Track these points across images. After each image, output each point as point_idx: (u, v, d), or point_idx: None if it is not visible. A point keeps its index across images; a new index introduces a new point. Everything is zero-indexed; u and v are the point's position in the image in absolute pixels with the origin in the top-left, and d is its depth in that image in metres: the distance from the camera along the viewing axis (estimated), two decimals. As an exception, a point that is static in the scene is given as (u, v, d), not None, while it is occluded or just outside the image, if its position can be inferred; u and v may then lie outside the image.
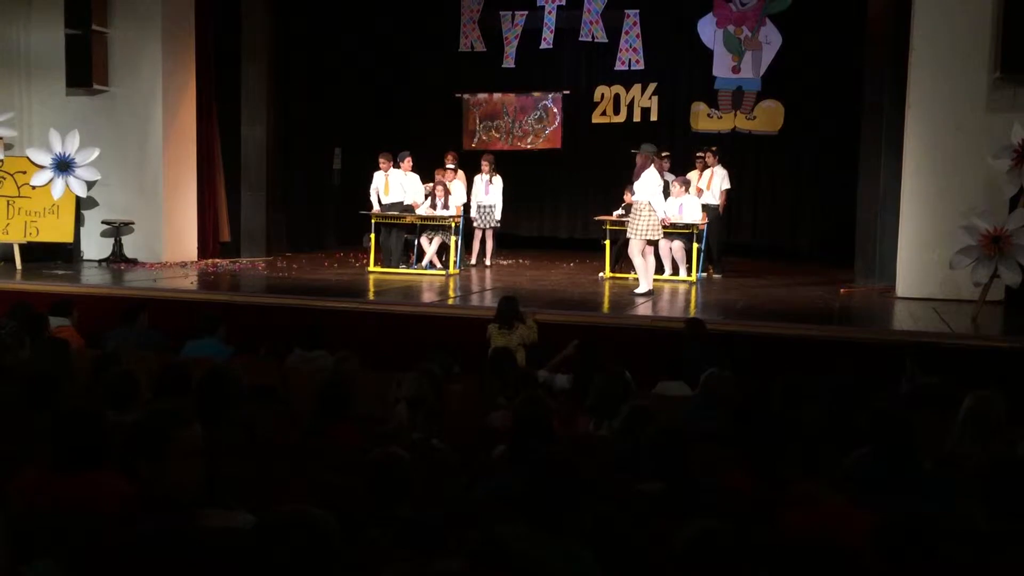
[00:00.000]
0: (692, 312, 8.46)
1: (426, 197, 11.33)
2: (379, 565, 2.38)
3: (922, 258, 9.03)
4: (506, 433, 3.79)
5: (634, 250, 9.41)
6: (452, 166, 11.80)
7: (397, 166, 11.38)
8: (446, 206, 11.07)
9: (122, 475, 2.71)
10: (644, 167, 9.36)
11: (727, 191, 11.45)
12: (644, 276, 9.33)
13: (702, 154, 11.50)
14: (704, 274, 10.86)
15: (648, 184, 9.34)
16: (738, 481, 3.15)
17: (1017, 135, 7.94)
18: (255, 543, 2.13)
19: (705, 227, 10.71)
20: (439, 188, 11.16)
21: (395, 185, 11.31)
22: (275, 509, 2.22)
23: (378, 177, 11.35)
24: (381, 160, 11.31)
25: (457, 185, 11.61)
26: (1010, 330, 7.58)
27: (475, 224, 11.84)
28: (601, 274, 10.78)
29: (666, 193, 10.12)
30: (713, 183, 11.28)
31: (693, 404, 4.96)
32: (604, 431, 4.30)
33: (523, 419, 3.53)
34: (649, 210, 9.28)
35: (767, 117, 13.42)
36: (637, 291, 9.27)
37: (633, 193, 9.57)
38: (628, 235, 9.54)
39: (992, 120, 8.61)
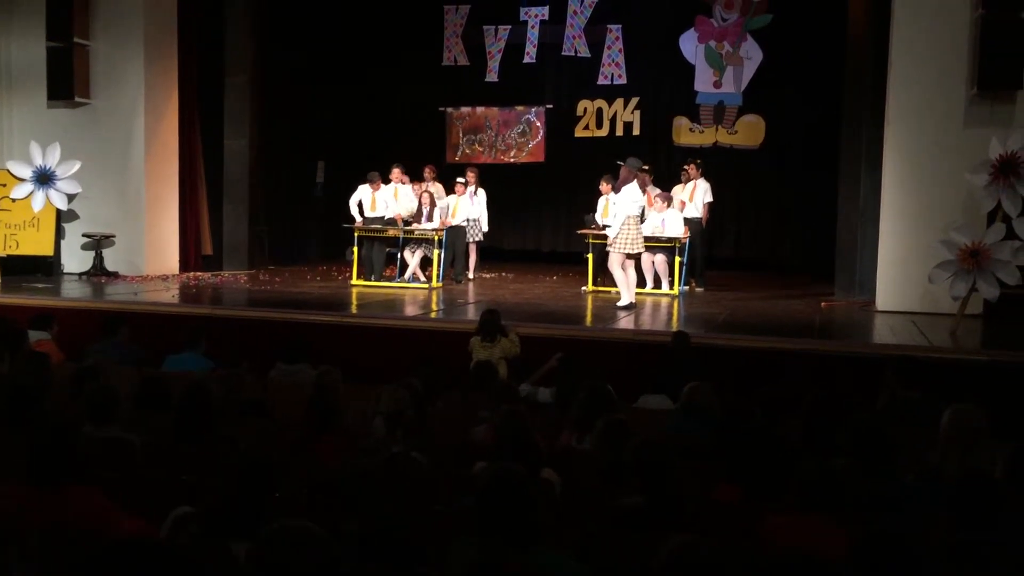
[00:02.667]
0: (675, 326, 8.48)
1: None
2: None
3: (902, 272, 9.10)
4: (488, 447, 3.78)
5: (614, 263, 9.44)
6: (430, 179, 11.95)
7: (387, 182, 11.37)
8: (430, 217, 11.07)
9: (98, 489, 2.69)
10: (626, 181, 9.40)
11: (710, 204, 11.46)
12: (626, 289, 9.36)
13: (687, 167, 11.54)
14: (686, 287, 10.89)
15: (625, 199, 9.37)
16: (722, 494, 3.16)
17: (994, 151, 8.03)
18: (255, 561, 2.13)
19: (687, 240, 10.75)
20: (425, 196, 11.17)
21: (381, 201, 11.29)
22: (272, 526, 2.21)
23: (364, 191, 11.31)
24: (373, 179, 11.29)
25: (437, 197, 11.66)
26: (989, 343, 7.65)
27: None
28: (584, 288, 10.80)
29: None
30: (696, 196, 11.29)
31: (674, 417, 4.97)
32: (587, 444, 4.31)
33: (504, 434, 3.53)
34: (629, 224, 9.32)
35: (748, 132, 13.52)
36: (619, 304, 9.29)
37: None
38: (608, 248, 9.58)
39: (970, 136, 8.71)
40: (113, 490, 3.16)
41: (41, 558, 2.33)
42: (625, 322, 8.57)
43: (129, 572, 1.80)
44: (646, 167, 12.13)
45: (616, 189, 9.58)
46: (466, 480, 3.76)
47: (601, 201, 10.92)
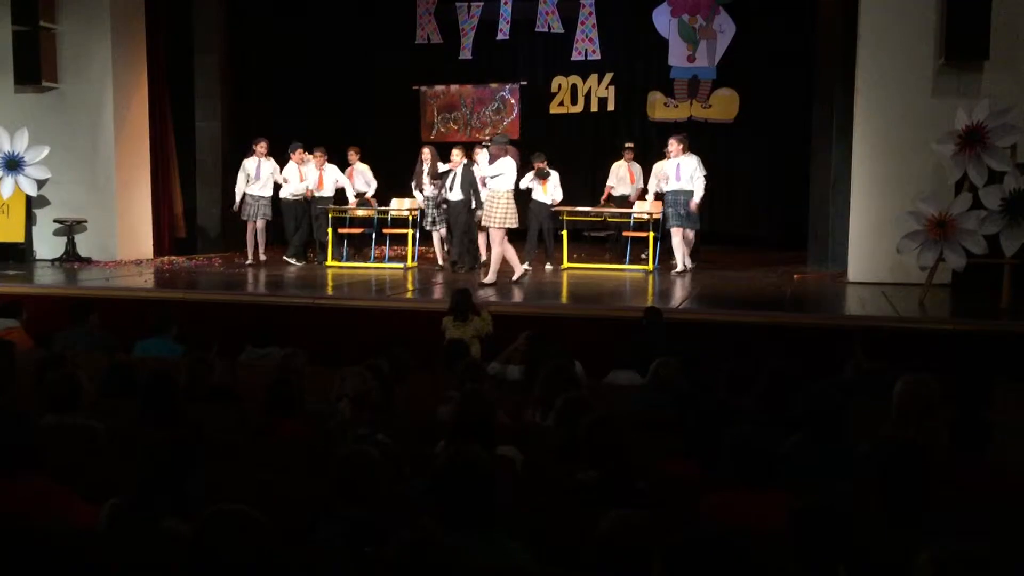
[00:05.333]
0: (649, 301, 8.51)
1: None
2: (327, 564, 2.41)
3: (873, 243, 9.17)
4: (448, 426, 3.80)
5: (495, 239, 9.38)
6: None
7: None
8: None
9: (49, 477, 2.69)
10: (498, 156, 9.36)
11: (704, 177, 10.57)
12: (514, 262, 9.51)
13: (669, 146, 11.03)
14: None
15: (506, 171, 9.30)
16: (676, 468, 3.20)
17: (960, 121, 8.08)
18: (192, 546, 2.15)
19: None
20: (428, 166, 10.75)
21: (329, 180, 11.16)
22: (209, 510, 2.24)
23: (310, 171, 11.14)
24: (317, 154, 11.12)
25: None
26: (956, 313, 7.74)
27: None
28: (549, 265, 10.79)
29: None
30: (683, 173, 10.40)
31: (641, 392, 5.01)
32: (550, 421, 4.34)
33: (464, 413, 3.55)
34: (507, 199, 9.30)
35: (722, 105, 13.53)
36: (515, 278, 9.43)
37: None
38: (484, 224, 9.57)
39: (937, 106, 8.76)
40: (72, 477, 3.17)
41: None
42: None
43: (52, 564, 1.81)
44: (629, 144, 12.10)
45: (490, 163, 9.47)
46: (429, 460, 3.79)
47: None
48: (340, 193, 11.29)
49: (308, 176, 11.12)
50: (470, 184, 10.34)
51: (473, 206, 10.35)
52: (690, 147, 10.47)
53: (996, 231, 7.81)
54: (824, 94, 11.04)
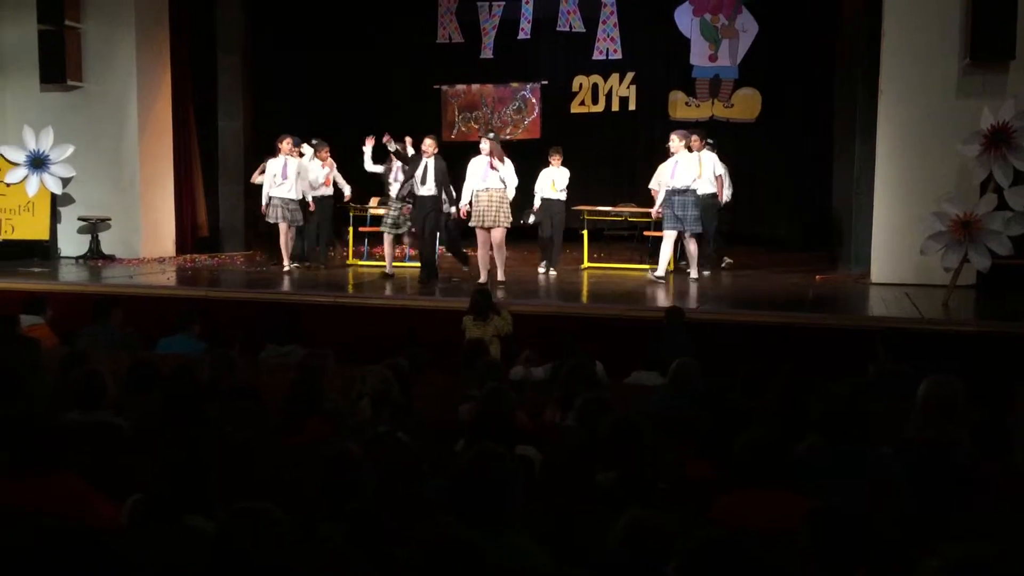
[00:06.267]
0: (671, 302, 8.48)
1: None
2: (331, 562, 2.42)
3: (896, 244, 9.09)
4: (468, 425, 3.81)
5: (502, 241, 9.19)
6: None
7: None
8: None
9: (74, 475, 2.72)
10: (501, 155, 9.09)
11: (720, 177, 10.35)
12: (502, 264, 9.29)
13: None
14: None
15: (510, 170, 9.13)
16: (694, 470, 3.19)
17: (986, 121, 8.00)
18: (215, 543, 2.16)
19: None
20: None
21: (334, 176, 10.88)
22: (233, 508, 2.25)
23: (315, 167, 10.73)
24: (322, 151, 10.75)
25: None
26: (981, 314, 7.66)
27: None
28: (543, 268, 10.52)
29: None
30: (704, 171, 9.88)
31: (661, 393, 4.99)
32: (570, 421, 4.34)
33: (485, 412, 3.56)
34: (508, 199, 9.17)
35: (744, 105, 13.46)
36: (501, 279, 9.17)
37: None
38: (491, 224, 9.15)
39: (962, 106, 8.66)
40: (97, 475, 3.20)
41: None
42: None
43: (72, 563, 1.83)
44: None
45: (501, 160, 9.11)
46: (449, 459, 3.80)
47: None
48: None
49: (317, 173, 10.75)
50: (444, 177, 9.37)
51: (446, 204, 9.44)
52: (708, 145, 10.22)
53: (1022, 232, 7.74)
54: (847, 94, 10.95)
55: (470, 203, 9.26)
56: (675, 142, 9.45)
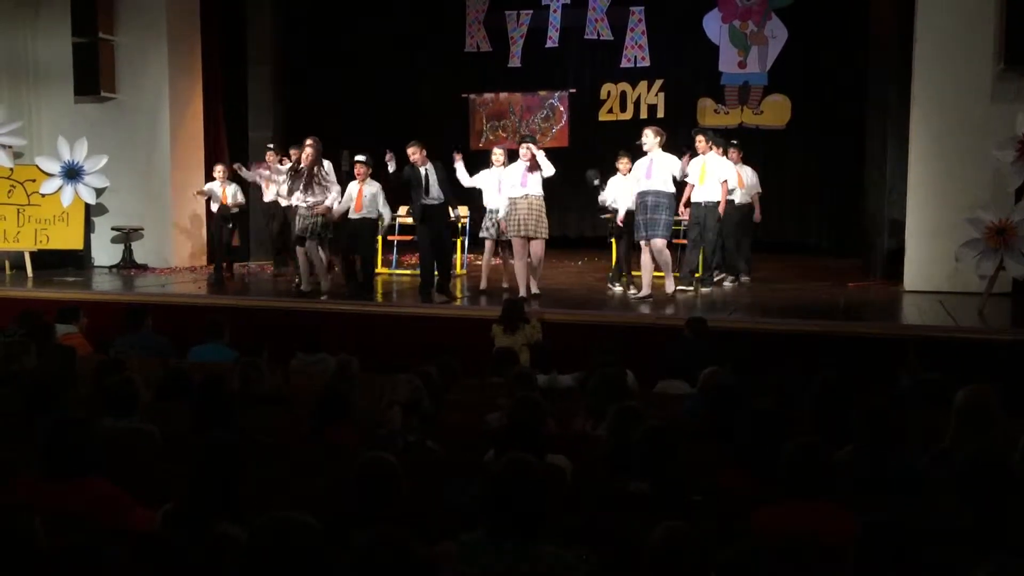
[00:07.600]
0: (696, 310, 8.42)
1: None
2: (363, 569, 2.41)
3: (930, 251, 8.98)
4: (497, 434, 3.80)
5: (542, 252, 8.71)
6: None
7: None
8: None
9: (108, 481, 2.74)
10: (535, 159, 8.44)
11: (725, 183, 9.48)
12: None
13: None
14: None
15: (547, 164, 8.52)
16: (727, 480, 3.15)
17: (1021, 126, 7.88)
18: (247, 551, 2.17)
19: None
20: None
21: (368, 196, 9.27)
22: (265, 516, 2.25)
23: (352, 187, 9.40)
24: (360, 167, 9.27)
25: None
26: (1017, 322, 7.55)
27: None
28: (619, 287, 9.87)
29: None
30: (655, 171, 8.71)
31: (691, 403, 4.96)
32: (602, 430, 4.31)
33: (515, 421, 3.54)
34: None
35: (774, 111, 13.39)
36: (534, 291, 8.73)
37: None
38: (533, 234, 8.56)
39: (997, 112, 8.55)
40: (129, 480, 3.23)
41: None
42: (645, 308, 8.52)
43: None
44: (734, 142, 10.55)
45: (534, 168, 8.53)
46: (478, 468, 3.79)
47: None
48: None
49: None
50: (449, 182, 8.87)
51: (451, 210, 8.94)
52: (732, 146, 10.06)
53: (1058, 239, 7.61)
54: (878, 100, 10.85)
55: (497, 211, 9.13)
56: (650, 138, 8.75)
